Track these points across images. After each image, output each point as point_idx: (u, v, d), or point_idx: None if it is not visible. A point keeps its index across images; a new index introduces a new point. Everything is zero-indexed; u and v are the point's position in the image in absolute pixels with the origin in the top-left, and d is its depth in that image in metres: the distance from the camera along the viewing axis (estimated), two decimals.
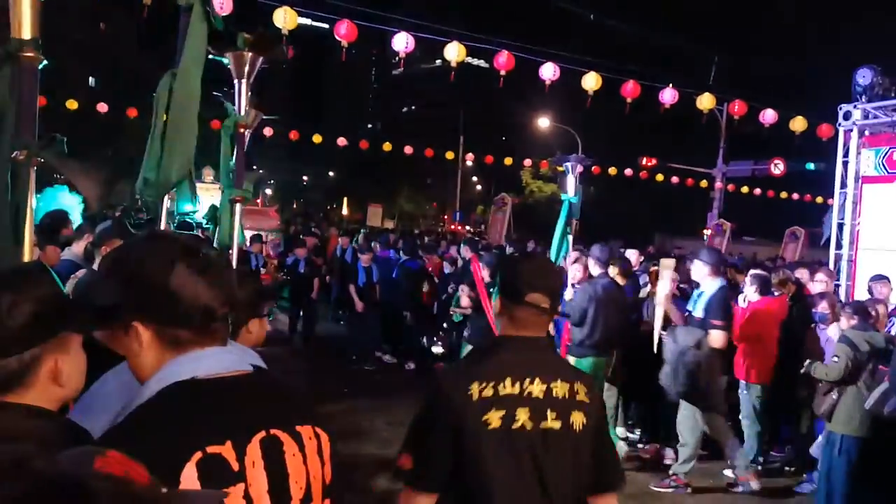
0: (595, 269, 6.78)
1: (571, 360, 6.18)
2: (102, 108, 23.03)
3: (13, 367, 1.39)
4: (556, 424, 2.13)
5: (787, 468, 6.82)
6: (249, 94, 3.71)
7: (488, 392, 2.09)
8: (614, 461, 2.38)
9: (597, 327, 6.41)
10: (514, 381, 2.11)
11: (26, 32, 2.16)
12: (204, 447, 1.23)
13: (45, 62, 2.19)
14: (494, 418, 2.07)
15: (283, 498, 1.33)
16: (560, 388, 2.15)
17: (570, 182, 7.23)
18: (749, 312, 6.54)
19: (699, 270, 6.14)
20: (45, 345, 1.42)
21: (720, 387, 6.08)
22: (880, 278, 6.87)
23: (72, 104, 21.61)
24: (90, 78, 36.47)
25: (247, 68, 3.66)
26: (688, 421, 6.09)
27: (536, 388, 2.13)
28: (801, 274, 7.52)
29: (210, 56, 3.35)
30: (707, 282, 6.06)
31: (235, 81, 3.71)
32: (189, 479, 1.19)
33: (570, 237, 7.11)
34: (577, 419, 2.15)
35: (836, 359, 5.38)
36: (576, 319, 6.46)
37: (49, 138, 2.16)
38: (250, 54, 3.62)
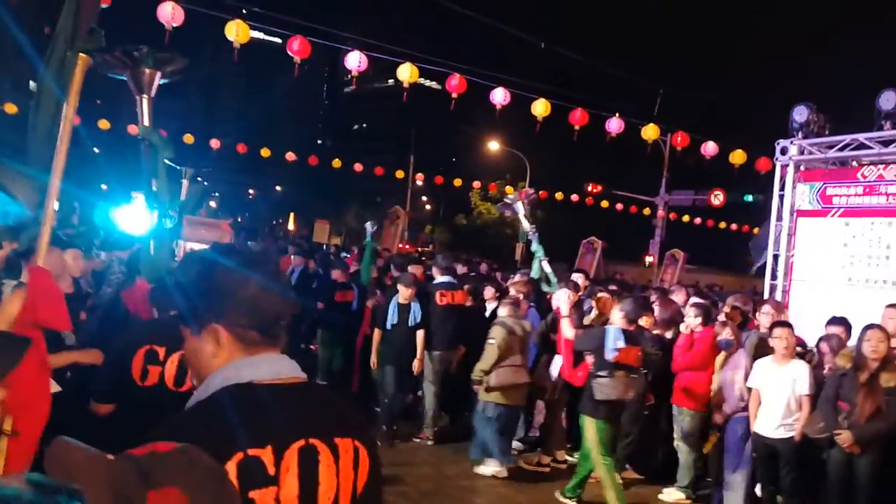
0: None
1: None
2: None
3: None
4: None
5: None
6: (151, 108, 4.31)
7: None
8: None
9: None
10: None
11: None
12: (246, 449, 1.34)
13: (105, 4, 2.46)
14: None
15: None
16: None
17: (369, 229, 10.51)
18: (693, 341, 6.59)
19: (435, 272, 7.86)
20: None
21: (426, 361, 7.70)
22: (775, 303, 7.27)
23: (10, 108, 20.98)
24: (31, 82, 35.44)
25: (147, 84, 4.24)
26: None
27: None
28: (735, 302, 7.68)
29: (109, 75, 4.15)
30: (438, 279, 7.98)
31: (136, 98, 4.23)
32: (232, 468, 1.32)
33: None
34: None
35: (492, 340, 6.61)
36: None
37: (91, 30, 2.47)
38: (148, 71, 4.15)
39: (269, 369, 1.47)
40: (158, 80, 4.24)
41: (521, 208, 6.79)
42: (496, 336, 6.67)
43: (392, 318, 7.65)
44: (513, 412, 6.91)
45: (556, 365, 6.91)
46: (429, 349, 7.69)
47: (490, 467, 6.77)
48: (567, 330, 6.33)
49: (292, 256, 11.82)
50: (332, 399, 1.59)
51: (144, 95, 4.21)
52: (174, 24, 10.76)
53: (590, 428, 5.87)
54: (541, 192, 31.43)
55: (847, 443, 5.15)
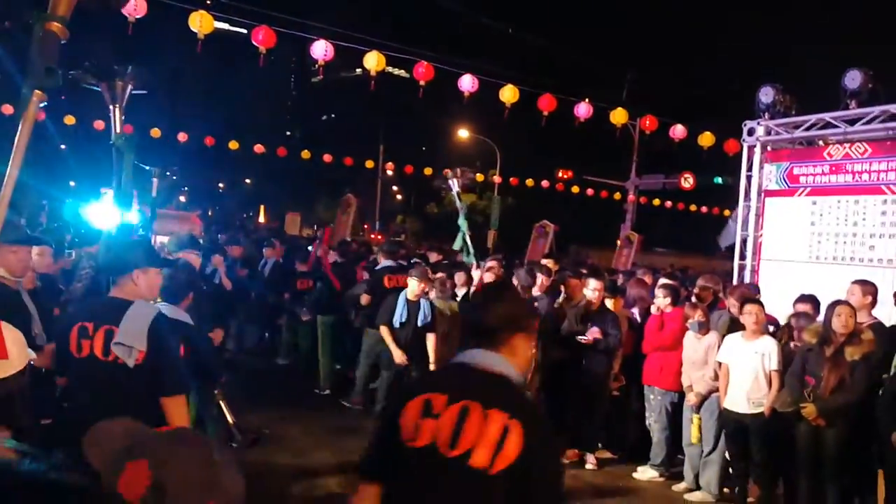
0: (332, 257, 10.15)
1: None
2: (8, 109, 21.83)
3: None
4: None
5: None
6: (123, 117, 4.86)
7: None
8: None
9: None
10: None
11: (60, 9, 2.57)
12: (432, 393, 2.13)
13: (64, 40, 2.56)
14: None
15: (453, 444, 2.01)
16: None
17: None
18: (662, 322, 6.71)
19: (381, 257, 8.56)
20: None
21: None
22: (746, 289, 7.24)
23: None
24: None
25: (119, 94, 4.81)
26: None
27: None
28: (706, 282, 7.75)
29: (84, 85, 4.81)
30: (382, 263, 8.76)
31: (109, 107, 4.82)
32: (414, 406, 2.11)
33: None
34: None
35: None
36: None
37: (48, 70, 2.55)
38: (121, 83, 4.74)
39: (470, 357, 2.18)
40: (130, 91, 4.86)
41: (454, 185, 7.53)
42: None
43: (401, 315, 7.16)
44: None
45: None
46: (371, 327, 7.78)
47: None
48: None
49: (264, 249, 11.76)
50: (508, 387, 2.13)
51: (117, 105, 4.82)
52: (137, 16, 10.57)
53: None
54: (511, 179, 31.55)
55: (812, 415, 5.26)
